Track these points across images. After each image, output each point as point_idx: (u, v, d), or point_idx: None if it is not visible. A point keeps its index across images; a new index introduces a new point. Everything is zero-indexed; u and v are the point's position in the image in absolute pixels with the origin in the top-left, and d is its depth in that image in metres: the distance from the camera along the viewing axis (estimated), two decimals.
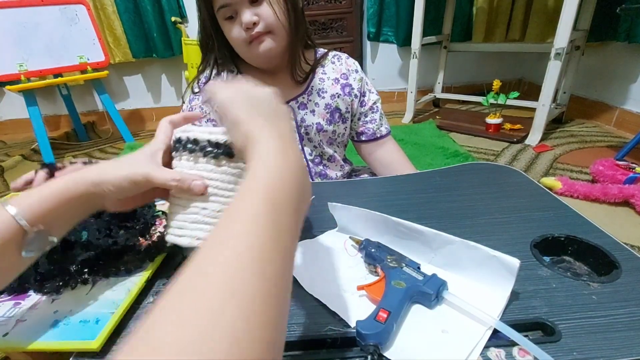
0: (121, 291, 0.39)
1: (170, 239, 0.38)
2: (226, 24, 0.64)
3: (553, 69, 1.61)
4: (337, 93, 0.73)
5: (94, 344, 0.33)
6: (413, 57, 2.09)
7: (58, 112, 2.68)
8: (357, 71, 0.76)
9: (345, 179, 0.80)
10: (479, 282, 0.37)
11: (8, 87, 1.80)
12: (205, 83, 0.71)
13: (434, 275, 0.37)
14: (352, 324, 0.33)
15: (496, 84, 1.83)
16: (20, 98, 1.91)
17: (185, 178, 0.36)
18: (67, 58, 1.99)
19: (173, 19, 2.34)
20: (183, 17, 2.43)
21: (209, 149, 0.35)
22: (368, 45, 2.62)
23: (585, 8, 1.73)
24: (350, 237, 0.46)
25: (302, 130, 0.73)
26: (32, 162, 2.05)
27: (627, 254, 0.41)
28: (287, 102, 0.71)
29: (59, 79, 2.03)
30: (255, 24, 0.61)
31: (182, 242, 0.37)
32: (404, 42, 2.39)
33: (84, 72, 2.05)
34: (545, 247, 0.43)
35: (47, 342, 0.34)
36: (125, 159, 0.37)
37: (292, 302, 0.38)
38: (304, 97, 0.72)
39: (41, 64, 1.91)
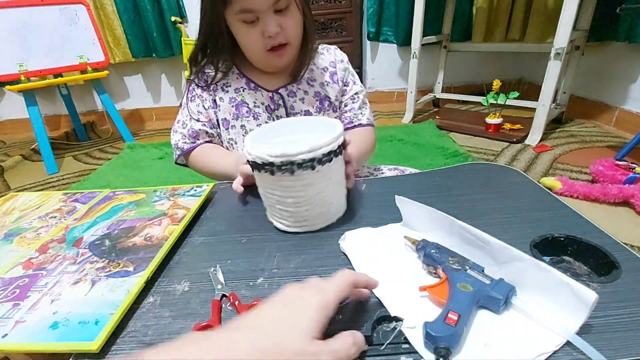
0: (120, 292, 0.39)
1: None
2: (243, 28, 0.63)
3: (553, 69, 1.61)
4: (326, 81, 0.75)
5: (94, 345, 0.33)
6: (413, 57, 2.09)
7: (58, 112, 2.68)
8: (342, 61, 0.78)
9: None
10: (544, 309, 0.33)
11: (8, 87, 1.80)
12: (211, 77, 0.72)
13: (501, 279, 0.35)
14: (412, 324, 0.33)
15: (496, 84, 1.83)
16: (20, 98, 1.91)
17: None
18: (67, 58, 1.99)
19: (173, 18, 2.34)
20: (183, 17, 2.43)
21: (284, 167, 0.44)
22: (368, 45, 2.62)
23: (585, 8, 1.73)
24: (405, 237, 0.45)
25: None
26: (32, 162, 2.05)
27: (627, 254, 0.40)
28: (277, 90, 0.72)
29: (59, 79, 2.04)
30: (277, 33, 0.62)
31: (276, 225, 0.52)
32: (404, 41, 2.39)
33: (83, 72, 2.05)
34: (545, 247, 0.43)
35: (46, 343, 0.34)
36: None
37: None
38: (293, 86, 0.73)
39: (41, 64, 1.91)
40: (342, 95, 0.78)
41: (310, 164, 0.44)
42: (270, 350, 0.26)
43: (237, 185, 0.57)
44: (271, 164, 0.44)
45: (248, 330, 0.28)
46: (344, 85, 0.78)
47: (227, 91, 0.72)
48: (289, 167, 0.43)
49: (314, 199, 0.47)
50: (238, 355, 0.25)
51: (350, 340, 0.30)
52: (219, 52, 0.69)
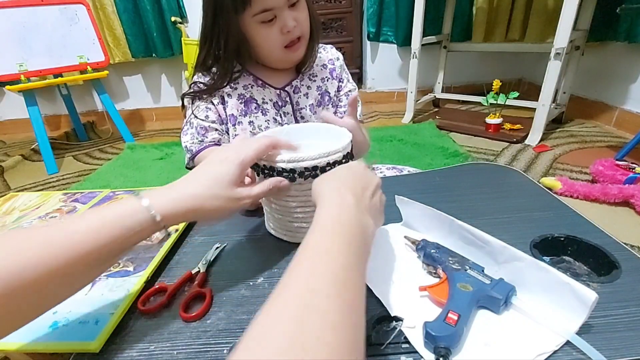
0: (120, 292, 0.39)
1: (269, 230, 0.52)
2: (262, 28, 0.64)
3: (553, 69, 1.61)
4: (326, 77, 0.78)
5: (94, 345, 0.33)
6: (413, 57, 2.09)
7: (58, 112, 2.68)
8: (338, 59, 0.81)
9: None
10: (544, 309, 0.33)
11: (8, 87, 1.80)
12: (225, 79, 0.71)
13: (501, 279, 0.35)
14: (412, 324, 0.33)
15: (496, 84, 1.83)
16: (20, 98, 1.91)
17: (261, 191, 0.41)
18: (67, 58, 1.99)
19: (173, 18, 2.34)
20: (183, 17, 2.43)
21: (306, 173, 0.43)
22: (368, 45, 2.62)
23: (585, 8, 1.73)
24: (405, 237, 0.45)
25: (298, 114, 0.76)
26: (32, 162, 2.05)
27: (627, 254, 0.41)
28: (284, 87, 0.74)
29: (59, 79, 2.03)
30: (295, 26, 0.64)
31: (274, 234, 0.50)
32: (404, 42, 2.39)
33: (83, 72, 2.05)
34: (545, 247, 0.43)
35: (46, 342, 0.34)
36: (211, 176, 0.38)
37: None
38: (297, 81, 0.75)
39: (41, 64, 1.91)
40: (337, 91, 0.80)
41: (313, 172, 0.42)
42: (206, 194, 0.36)
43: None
44: (271, 168, 0.43)
45: (186, 181, 0.37)
46: (339, 82, 0.80)
47: (236, 88, 0.72)
48: (290, 174, 0.42)
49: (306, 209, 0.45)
50: (184, 199, 0.35)
51: (267, 183, 0.41)
52: (233, 55, 0.69)
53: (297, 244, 0.47)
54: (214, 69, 0.71)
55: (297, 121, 0.76)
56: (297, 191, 0.44)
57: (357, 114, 0.79)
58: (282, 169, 0.42)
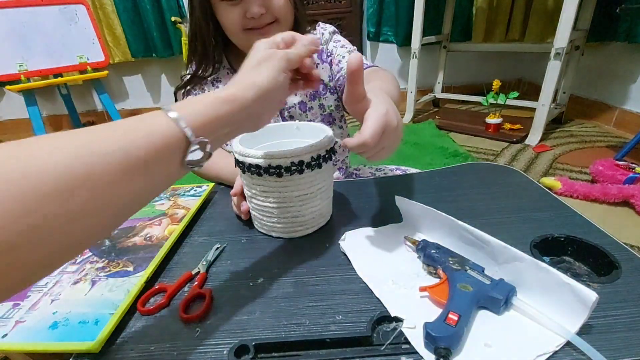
0: (120, 292, 0.39)
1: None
2: (223, 7, 0.59)
3: (553, 69, 1.61)
4: (315, 63, 0.69)
5: (93, 345, 0.33)
6: (413, 57, 2.09)
7: (58, 112, 2.68)
8: (323, 34, 0.72)
9: (344, 179, 0.80)
10: (544, 309, 0.33)
11: (8, 87, 1.80)
12: (207, 77, 0.69)
13: (501, 280, 0.35)
14: (412, 324, 0.33)
15: (496, 84, 1.83)
16: (20, 98, 1.91)
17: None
18: (66, 58, 1.99)
19: (173, 18, 2.34)
20: (183, 16, 2.43)
21: (271, 170, 0.44)
22: (368, 45, 2.62)
23: (585, 8, 1.73)
24: (405, 237, 0.45)
25: (286, 113, 0.71)
26: None
27: (627, 254, 0.40)
28: None
29: (59, 79, 2.03)
30: (262, 14, 0.58)
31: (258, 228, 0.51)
32: (404, 41, 2.39)
33: (83, 72, 2.05)
34: (544, 247, 0.43)
35: (46, 343, 0.34)
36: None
37: (291, 302, 0.38)
38: None
39: (41, 64, 1.91)
40: (330, 67, 0.71)
41: (298, 167, 0.43)
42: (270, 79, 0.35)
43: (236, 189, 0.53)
44: (258, 166, 0.44)
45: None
46: (330, 57, 0.71)
47: (217, 87, 0.70)
48: (276, 170, 0.43)
49: (293, 204, 0.47)
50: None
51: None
52: (209, 40, 0.65)
53: (297, 242, 0.48)
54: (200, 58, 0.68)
55: (285, 121, 0.72)
56: (273, 187, 0.45)
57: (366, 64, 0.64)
58: (269, 165, 0.43)
